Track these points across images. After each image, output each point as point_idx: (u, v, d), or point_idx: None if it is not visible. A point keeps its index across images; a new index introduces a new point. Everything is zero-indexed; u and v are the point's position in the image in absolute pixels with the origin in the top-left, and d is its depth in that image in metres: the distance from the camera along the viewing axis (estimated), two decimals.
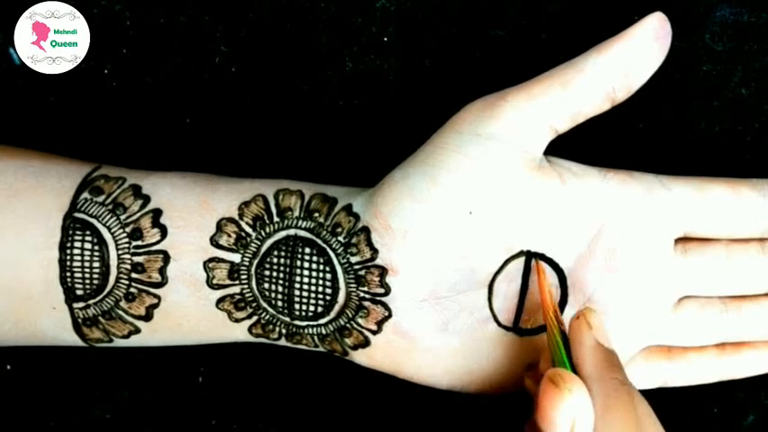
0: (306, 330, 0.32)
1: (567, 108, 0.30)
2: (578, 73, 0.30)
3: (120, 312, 0.31)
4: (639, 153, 0.35)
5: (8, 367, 0.37)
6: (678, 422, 0.36)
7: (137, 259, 0.31)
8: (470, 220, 0.30)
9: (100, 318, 0.31)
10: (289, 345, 0.32)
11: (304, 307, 0.31)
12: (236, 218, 0.31)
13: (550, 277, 0.31)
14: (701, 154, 0.35)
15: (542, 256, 0.31)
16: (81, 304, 0.31)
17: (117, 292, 0.31)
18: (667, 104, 0.35)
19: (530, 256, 0.31)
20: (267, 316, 0.31)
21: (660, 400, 0.35)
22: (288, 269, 0.31)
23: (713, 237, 0.32)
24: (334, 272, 0.31)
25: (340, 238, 0.31)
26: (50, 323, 0.31)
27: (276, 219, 0.31)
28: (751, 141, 0.35)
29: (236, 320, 0.32)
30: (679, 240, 0.32)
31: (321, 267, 0.31)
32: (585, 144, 0.33)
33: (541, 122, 0.30)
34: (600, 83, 0.30)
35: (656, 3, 0.30)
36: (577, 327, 0.29)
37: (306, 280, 0.31)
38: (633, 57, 0.30)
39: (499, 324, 0.32)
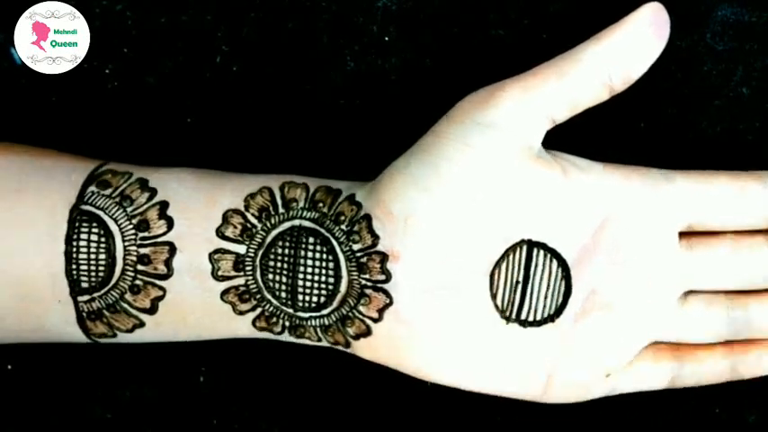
0: (309, 322, 0.32)
1: (564, 97, 0.30)
2: (575, 62, 0.30)
3: (125, 305, 0.31)
4: (641, 152, 0.35)
5: (9, 367, 0.37)
6: (679, 422, 0.36)
7: (143, 251, 0.31)
8: (471, 209, 0.30)
9: (104, 311, 0.31)
10: (292, 339, 0.32)
11: (307, 298, 0.31)
12: (242, 209, 0.31)
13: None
14: (702, 153, 0.35)
15: (545, 247, 0.31)
16: (86, 297, 0.31)
17: (122, 284, 0.31)
18: (668, 104, 0.35)
19: (531, 245, 0.31)
20: (271, 308, 0.32)
21: (661, 399, 0.35)
22: (292, 259, 0.31)
23: (718, 229, 0.32)
24: (336, 260, 0.31)
25: (342, 227, 0.31)
26: (55, 317, 0.31)
27: (281, 210, 0.31)
28: (752, 141, 0.35)
29: (241, 313, 0.32)
30: (684, 235, 0.32)
31: (324, 256, 0.31)
32: (587, 143, 0.33)
33: (539, 112, 0.30)
34: (597, 72, 0.30)
35: (658, 2, 0.30)
36: None
37: (309, 270, 0.31)
38: (629, 45, 0.30)
39: (501, 314, 0.32)
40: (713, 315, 0.33)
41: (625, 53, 0.30)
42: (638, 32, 0.30)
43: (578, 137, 0.32)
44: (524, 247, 0.31)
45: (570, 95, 0.30)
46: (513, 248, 0.31)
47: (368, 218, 0.31)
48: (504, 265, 0.31)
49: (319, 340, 0.32)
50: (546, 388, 0.32)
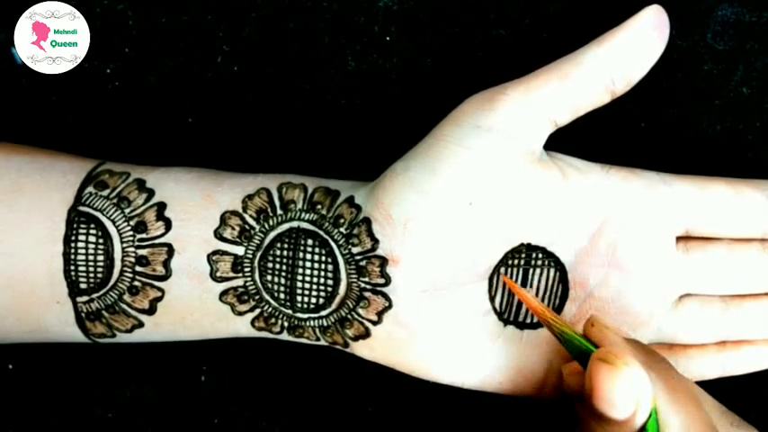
0: (307, 323, 0.32)
1: (566, 101, 0.30)
2: (577, 65, 0.30)
3: (124, 306, 0.31)
4: (641, 152, 0.35)
5: (10, 366, 0.37)
6: None
7: (141, 252, 0.31)
8: (471, 212, 0.30)
9: (103, 312, 0.31)
10: (290, 338, 0.32)
11: (306, 299, 0.31)
12: (240, 211, 0.31)
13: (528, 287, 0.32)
14: (702, 153, 0.35)
15: (543, 250, 0.31)
16: (84, 298, 0.31)
17: (121, 285, 0.31)
18: (669, 103, 0.35)
19: (530, 249, 0.31)
20: (270, 309, 0.32)
21: None
22: (290, 261, 0.31)
23: (715, 236, 0.32)
24: (335, 263, 0.31)
25: (342, 230, 0.31)
26: (54, 318, 0.31)
27: (279, 211, 0.31)
28: (752, 140, 0.36)
29: (239, 313, 0.32)
30: (681, 239, 0.32)
31: (323, 259, 0.31)
32: (587, 142, 0.33)
33: (541, 115, 0.30)
34: (599, 75, 0.30)
35: (658, 2, 0.30)
36: (598, 331, 0.29)
37: (308, 272, 0.31)
38: (631, 48, 0.30)
39: (499, 317, 0.32)
40: (708, 317, 0.33)
41: (628, 56, 0.30)
42: (641, 35, 0.30)
43: (579, 136, 0.32)
44: (523, 251, 0.31)
45: (572, 98, 0.30)
46: (512, 252, 0.31)
47: (367, 221, 0.31)
48: (503, 269, 0.31)
49: (318, 340, 0.32)
50: (542, 387, 0.32)
